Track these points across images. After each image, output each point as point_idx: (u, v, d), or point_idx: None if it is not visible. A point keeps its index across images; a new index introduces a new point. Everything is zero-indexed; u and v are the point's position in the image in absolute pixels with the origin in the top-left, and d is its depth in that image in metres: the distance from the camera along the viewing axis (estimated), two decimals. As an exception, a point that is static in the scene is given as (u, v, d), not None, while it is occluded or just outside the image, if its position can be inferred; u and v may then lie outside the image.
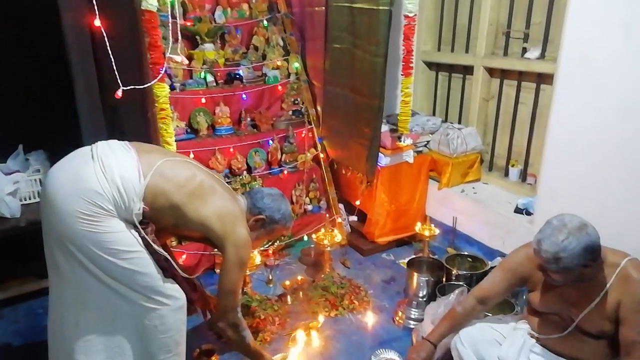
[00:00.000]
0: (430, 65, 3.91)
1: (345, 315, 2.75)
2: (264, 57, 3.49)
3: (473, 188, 3.43)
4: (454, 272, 2.73)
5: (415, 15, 3.06)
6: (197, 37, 3.26)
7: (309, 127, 3.54)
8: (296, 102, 3.56)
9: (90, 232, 1.60)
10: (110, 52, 2.25)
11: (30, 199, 2.92)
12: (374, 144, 3.08)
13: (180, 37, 3.04)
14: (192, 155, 2.95)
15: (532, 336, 1.94)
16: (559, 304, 1.83)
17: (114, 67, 2.24)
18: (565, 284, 1.76)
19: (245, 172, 3.25)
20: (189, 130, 3.18)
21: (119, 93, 2.24)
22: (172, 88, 3.05)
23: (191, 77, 3.24)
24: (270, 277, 3.09)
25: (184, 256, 2.92)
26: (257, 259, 2.71)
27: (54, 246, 1.67)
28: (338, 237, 2.98)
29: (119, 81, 2.23)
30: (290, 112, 3.54)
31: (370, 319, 2.72)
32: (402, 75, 3.19)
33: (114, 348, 1.75)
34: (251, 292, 2.73)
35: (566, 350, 1.84)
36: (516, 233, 2.85)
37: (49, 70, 3.05)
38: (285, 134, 3.42)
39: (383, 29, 2.80)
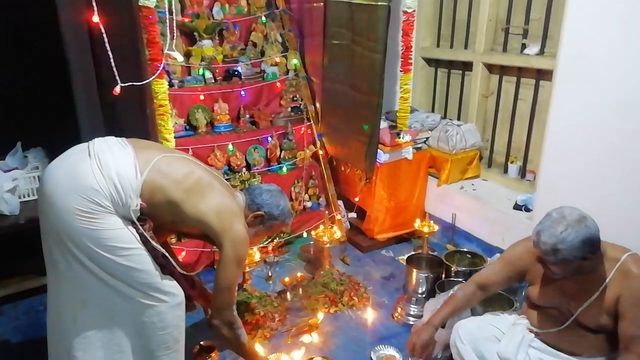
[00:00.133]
0: (429, 61, 3.90)
1: (345, 311, 2.75)
2: (262, 53, 3.48)
3: (472, 184, 3.43)
4: (453, 268, 2.74)
5: (414, 11, 3.05)
6: (195, 34, 3.26)
7: (308, 123, 3.53)
8: (295, 98, 3.56)
9: (88, 229, 1.60)
10: (108, 48, 2.24)
11: (28, 196, 2.91)
12: (373, 141, 3.08)
13: (177, 34, 3.02)
14: (190, 152, 2.94)
15: (531, 331, 1.94)
16: (558, 297, 1.83)
17: (112, 64, 2.23)
18: (564, 277, 1.76)
19: (244, 169, 3.25)
20: (187, 127, 3.17)
21: (117, 89, 2.23)
22: (170, 85, 3.05)
23: (189, 74, 3.23)
24: (270, 274, 3.09)
25: (183, 253, 2.92)
26: (257, 255, 2.71)
27: (51, 243, 1.67)
28: (337, 234, 2.98)
29: (117, 78, 2.22)
30: (289, 109, 3.54)
31: (369, 315, 2.73)
32: (401, 71, 3.18)
33: (112, 345, 1.75)
34: (251, 289, 2.73)
35: (565, 345, 1.84)
36: (515, 229, 2.85)
37: (47, 67, 3.04)
38: (284, 131, 3.42)
39: (382, 25, 2.80)
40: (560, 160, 2.64)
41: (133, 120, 2.85)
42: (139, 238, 1.70)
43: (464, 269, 2.73)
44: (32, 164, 3.01)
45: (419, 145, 3.49)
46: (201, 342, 2.32)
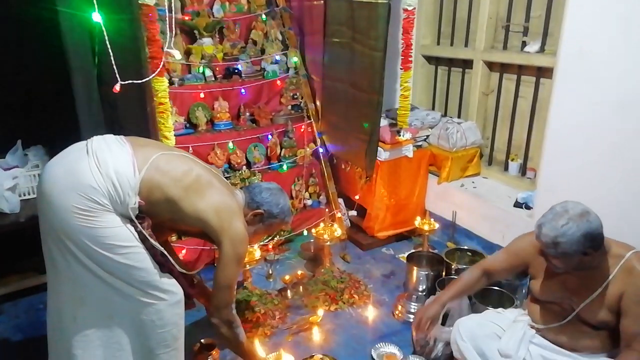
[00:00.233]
0: (429, 59, 3.90)
1: (345, 309, 2.76)
2: (262, 51, 3.48)
3: (472, 182, 3.42)
4: (454, 266, 2.74)
5: (415, 8, 3.04)
6: (196, 32, 3.25)
7: (308, 121, 3.53)
8: (295, 96, 3.56)
9: (86, 227, 1.60)
10: (109, 46, 2.24)
11: (29, 194, 2.91)
12: (373, 139, 3.08)
13: (177, 32, 3.02)
14: (191, 150, 2.94)
15: (532, 327, 1.94)
16: (560, 292, 1.84)
17: (113, 62, 2.23)
18: (566, 271, 1.77)
19: (244, 167, 3.25)
20: (187, 125, 3.17)
21: (117, 87, 2.23)
22: (170, 83, 3.05)
23: (190, 72, 3.23)
24: (270, 272, 3.09)
25: (184, 251, 2.92)
26: (257, 253, 2.71)
27: (50, 242, 1.67)
28: (338, 232, 2.98)
29: (117, 76, 2.22)
30: (290, 107, 3.54)
31: (370, 313, 2.73)
32: (401, 69, 3.18)
33: (112, 343, 1.75)
34: (251, 287, 2.73)
35: (566, 341, 1.85)
36: (516, 227, 2.85)
37: (47, 65, 3.03)
38: (285, 129, 3.42)
39: (382, 22, 2.79)
40: (560, 158, 2.63)
41: (133, 118, 2.85)
42: (137, 236, 1.70)
43: (464, 266, 2.72)
44: (32, 162, 3.01)
45: (420, 143, 3.49)
46: (202, 340, 2.32)
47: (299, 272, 3.04)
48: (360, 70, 3.05)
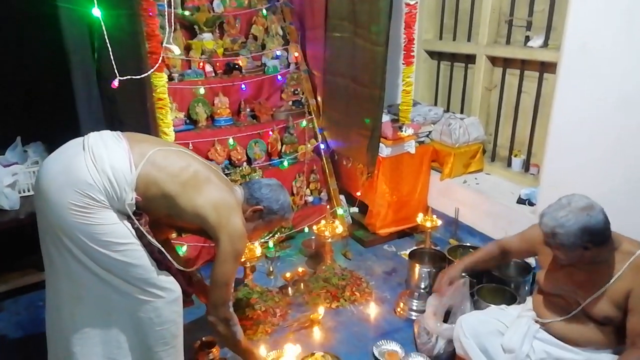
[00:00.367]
0: (431, 54, 3.87)
1: (347, 306, 2.74)
2: (263, 46, 3.46)
3: (475, 179, 3.40)
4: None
5: (417, 2, 3.02)
6: (196, 27, 3.23)
7: (309, 117, 3.51)
8: (296, 92, 3.53)
9: (83, 224, 1.58)
10: (107, 42, 2.22)
11: (29, 191, 2.90)
12: (375, 135, 3.06)
13: (177, 27, 3.00)
14: (191, 147, 2.92)
15: (536, 322, 1.93)
16: (566, 284, 1.84)
17: (112, 57, 2.21)
18: (570, 263, 1.78)
19: (245, 164, 3.23)
20: (187, 121, 3.15)
21: (115, 83, 2.21)
22: (170, 79, 3.03)
23: (190, 68, 3.21)
24: (271, 269, 3.08)
25: (184, 248, 2.91)
26: (258, 250, 2.70)
27: (48, 239, 1.66)
28: (339, 229, 2.96)
29: (115, 71, 2.21)
30: (290, 103, 3.51)
31: (371, 310, 2.72)
32: (403, 64, 3.16)
33: (111, 341, 1.74)
34: (252, 284, 2.72)
35: (570, 335, 1.84)
36: (519, 224, 2.81)
37: (47, 61, 3.02)
38: (285, 125, 3.40)
39: (384, 17, 2.77)
40: (564, 154, 2.61)
41: (133, 114, 2.83)
42: (134, 233, 1.69)
43: (466, 263, 2.71)
44: (32, 159, 3.00)
45: (422, 139, 3.46)
46: (202, 338, 2.31)
47: (300, 270, 3.02)
48: (362, 65, 3.02)
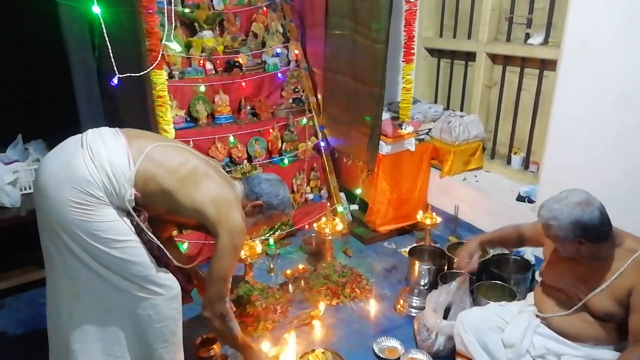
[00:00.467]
0: (432, 51, 3.86)
1: (347, 303, 2.75)
2: (263, 44, 3.45)
3: (475, 176, 3.41)
4: (456, 260, 2.72)
5: (417, 0, 3.01)
6: (196, 24, 3.22)
7: (310, 115, 3.51)
8: (296, 90, 3.53)
9: (82, 221, 1.58)
10: (107, 39, 2.22)
11: (30, 188, 2.90)
12: (375, 132, 3.06)
13: (177, 25, 3.00)
14: (191, 144, 2.92)
15: (537, 316, 1.94)
16: (568, 278, 1.85)
17: (111, 55, 2.21)
18: (572, 257, 1.80)
19: (245, 161, 3.23)
20: (188, 119, 3.15)
21: (115, 80, 2.22)
22: (170, 76, 3.03)
23: (190, 65, 3.21)
24: (272, 266, 3.08)
25: (185, 245, 2.91)
26: (259, 248, 2.70)
27: (46, 236, 1.66)
28: (339, 226, 2.96)
29: (115, 69, 2.21)
30: (291, 100, 3.51)
31: (371, 307, 2.72)
32: (403, 62, 3.16)
33: (110, 338, 1.74)
34: (252, 281, 2.73)
35: (571, 331, 1.85)
36: (518, 221, 2.79)
37: (47, 59, 3.02)
38: (286, 123, 3.40)
39: (384, 14, 2.77)
40: (564, 152, 2.61)
41: (134, 111, 2.84)
42: (134, 230, 1.69)
43: (466, 260, 2.71)
44: (33, 156, 3.00)
45: (422, 137, 3.47)
46: (204, 335, 2.32)
47: (301, 267, 3.03)
48: (362, 62, 3.03)
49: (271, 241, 3.23)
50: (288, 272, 2.96)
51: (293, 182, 3.43)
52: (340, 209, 3.53)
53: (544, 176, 2.77)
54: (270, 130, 3.32)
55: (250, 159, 3.29)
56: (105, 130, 1.73)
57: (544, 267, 1.98)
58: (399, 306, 2.70)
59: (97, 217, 1.60)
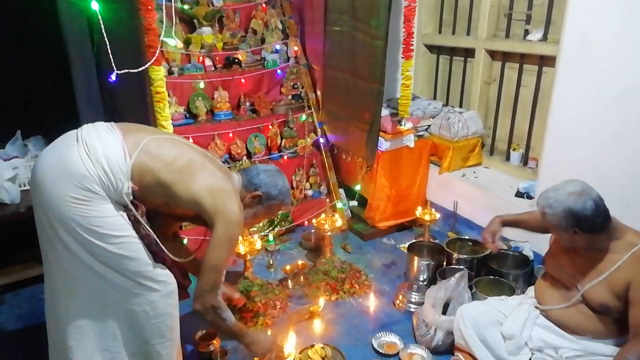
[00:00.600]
0: (431, 48, 3.86)
1: (346, 299, 2.76)
2: (262, 40, 3.45)
3: (474, 172, 3.41)
4: (455, 256, 2.74)
5: (416, -4, 3.01)
6: (195, 21, 3.22)
7: (309, 111, 3.51)
8: (295, 86, 3.53)
9: (80, 216, 1.58)
10: (105, 35, 2.22)
11: (29, 184, 2.91)
12: (374, 128, 3.06)
13: (176, 21, 2.99)
14: (191, 141, 2.92)
15: (536, 308, 1.96)
16: (567, 268, 1.87)
17: (109, 51, 2.21)
18: (570, 246, 1.82)
19: (244, 158, 3.23)
20: (187, 115, 3.16)
21: (113, 77, 2.21)
22: (170, 73, 3.03)
23: (189, 62, 3.21)
24: (271, 262, 3.09)
25: (184, 241, 2.91)
26: (258, 243, 2.71)
27: (43, 232, 1.66)
28: (338, 222, 2.97)
29: (113, 65, 2.21)
30: (290, 97, 3.51)
31: (371, 302, 2.73)
32: (402, 58, 3.16)
33: (106, 334, 1.74)
34: (252, 277, 2.74)
35: (569, 323, 1.87)
36: (517, 217, 2.84)
37: (46, 55, 3.01)
38: (285, 119, 3.40)
39: (383, 11, 2.76)
40: (562, 148, 2.62)
41: (133, 107, 2.83)
42: (131, 225, 1.68)
43: (465, 256, 2.73)
44: (32, 153, 3.00)
45: (421, 133, 3.47)
46: (204, 330, 2.33)
47: (300, 262, 3.04)
48: (361, 59, 3.03)
49: (270, 237, 3.24)
50: (287, 267, 2.97)
51: (292, 178, 3.43)
52: (339, 205, 3.54)
53: (543, 172, 2.77)
54: (270, 127, 3.33)
55: (249, 155, 3.29)
56: (100, 125, 1.72)
57: (547, 256, 2.01)
58: (398, 302, 2.71)
59: (95, 213, 1.60)
